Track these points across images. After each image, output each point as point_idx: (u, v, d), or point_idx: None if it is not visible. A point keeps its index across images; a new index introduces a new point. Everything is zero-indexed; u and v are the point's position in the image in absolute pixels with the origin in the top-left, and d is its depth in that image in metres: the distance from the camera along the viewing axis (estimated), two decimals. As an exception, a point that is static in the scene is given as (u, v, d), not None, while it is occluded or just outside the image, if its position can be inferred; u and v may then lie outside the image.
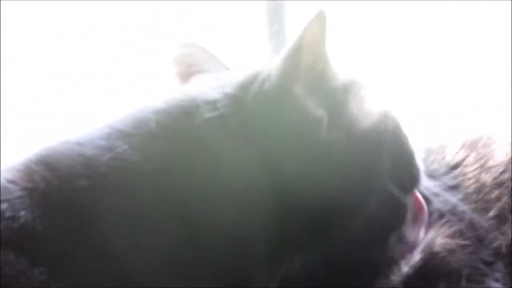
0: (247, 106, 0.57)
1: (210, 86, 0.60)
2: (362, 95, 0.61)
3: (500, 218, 0.62)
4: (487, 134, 0.70)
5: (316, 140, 0.57)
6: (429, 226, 0.61)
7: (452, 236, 0.61)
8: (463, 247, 0.60)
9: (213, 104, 0.57)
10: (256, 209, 0.56)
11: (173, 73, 0.69)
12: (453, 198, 0.64)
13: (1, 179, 0.52)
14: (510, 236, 0.61)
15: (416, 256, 0.60)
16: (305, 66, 0.56)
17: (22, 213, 0.50)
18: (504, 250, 0.61)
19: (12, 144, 0.98)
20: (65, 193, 0.52)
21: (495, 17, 1.07)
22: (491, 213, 0.63)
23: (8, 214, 0.50)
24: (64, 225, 0.51)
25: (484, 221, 0.62)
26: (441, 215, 0.62)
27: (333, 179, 0.57)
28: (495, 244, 0.61)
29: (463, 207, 0.63)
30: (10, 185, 0.52)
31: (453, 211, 0.63)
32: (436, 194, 0.64)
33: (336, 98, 0.59)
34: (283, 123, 0.57)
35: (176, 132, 0.57)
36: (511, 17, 1.03)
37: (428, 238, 0.60)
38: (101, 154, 0.54)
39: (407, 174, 0.62)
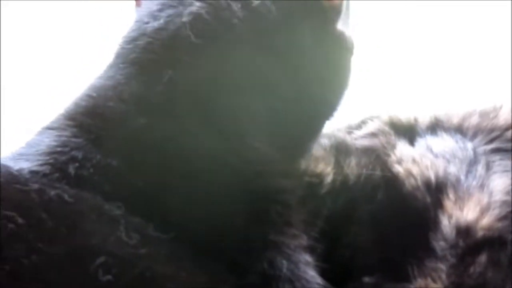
0: None
1: None
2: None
3: None
4: None
5: (330, 29, 0.64)
6: (462, 202, 0.62)
7: (486, 209, 0.61)
8: (504, 217, 0.60)
9: None
10: None
11: None
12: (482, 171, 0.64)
13: (64, 137, 0.54)
14: None
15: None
16: None
17: (93, 154, 0.52)
18: None
19: (12, 143, 0.98)
20: (126, 134, 0.54)
21: (495, 17, 1.07)
22: None
23: (80, 156, 0.52)
24: (131, 161, 0.53)
25: None
26: (473, 191, 0.62)
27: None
28: None
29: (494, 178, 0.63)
30: (75, 139, 0.54)
31: (482, 185, 0.63)
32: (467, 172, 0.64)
33: None
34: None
35: (210, 38, 0.58)
36: (511, 17, 1.03)
37: (464, 218, 0.61)
38: (151, 85, 0.56)
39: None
